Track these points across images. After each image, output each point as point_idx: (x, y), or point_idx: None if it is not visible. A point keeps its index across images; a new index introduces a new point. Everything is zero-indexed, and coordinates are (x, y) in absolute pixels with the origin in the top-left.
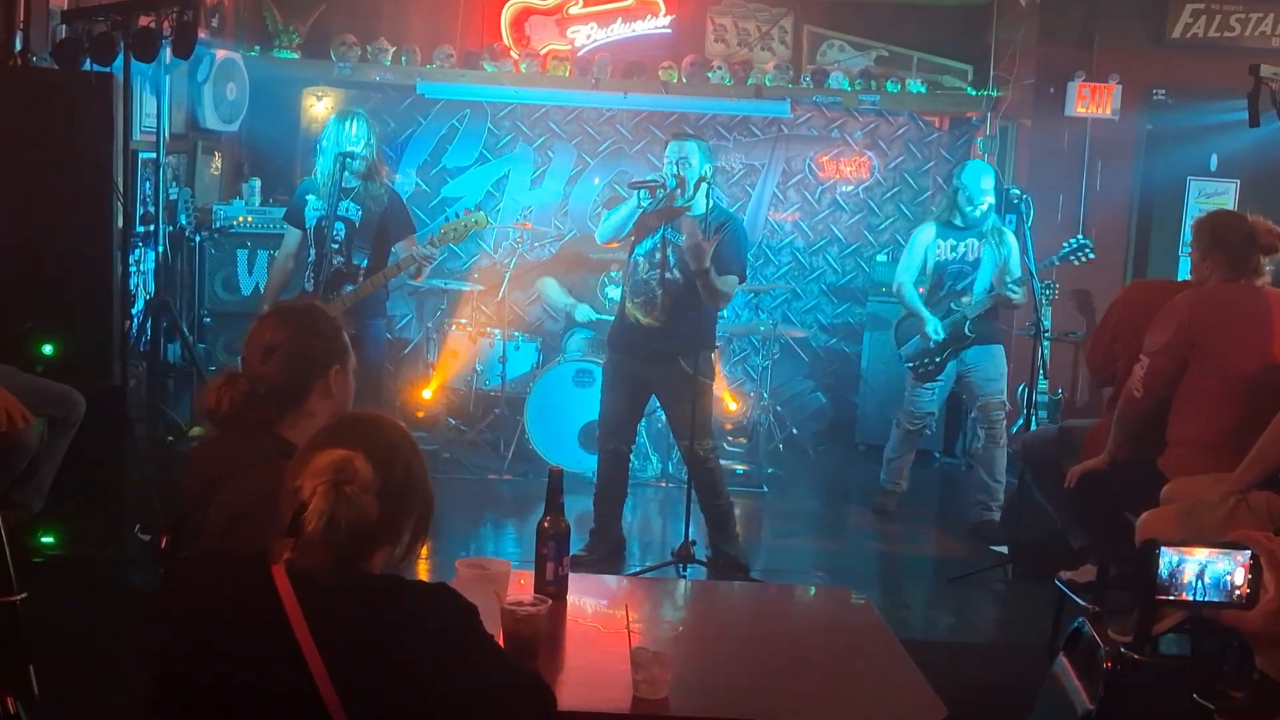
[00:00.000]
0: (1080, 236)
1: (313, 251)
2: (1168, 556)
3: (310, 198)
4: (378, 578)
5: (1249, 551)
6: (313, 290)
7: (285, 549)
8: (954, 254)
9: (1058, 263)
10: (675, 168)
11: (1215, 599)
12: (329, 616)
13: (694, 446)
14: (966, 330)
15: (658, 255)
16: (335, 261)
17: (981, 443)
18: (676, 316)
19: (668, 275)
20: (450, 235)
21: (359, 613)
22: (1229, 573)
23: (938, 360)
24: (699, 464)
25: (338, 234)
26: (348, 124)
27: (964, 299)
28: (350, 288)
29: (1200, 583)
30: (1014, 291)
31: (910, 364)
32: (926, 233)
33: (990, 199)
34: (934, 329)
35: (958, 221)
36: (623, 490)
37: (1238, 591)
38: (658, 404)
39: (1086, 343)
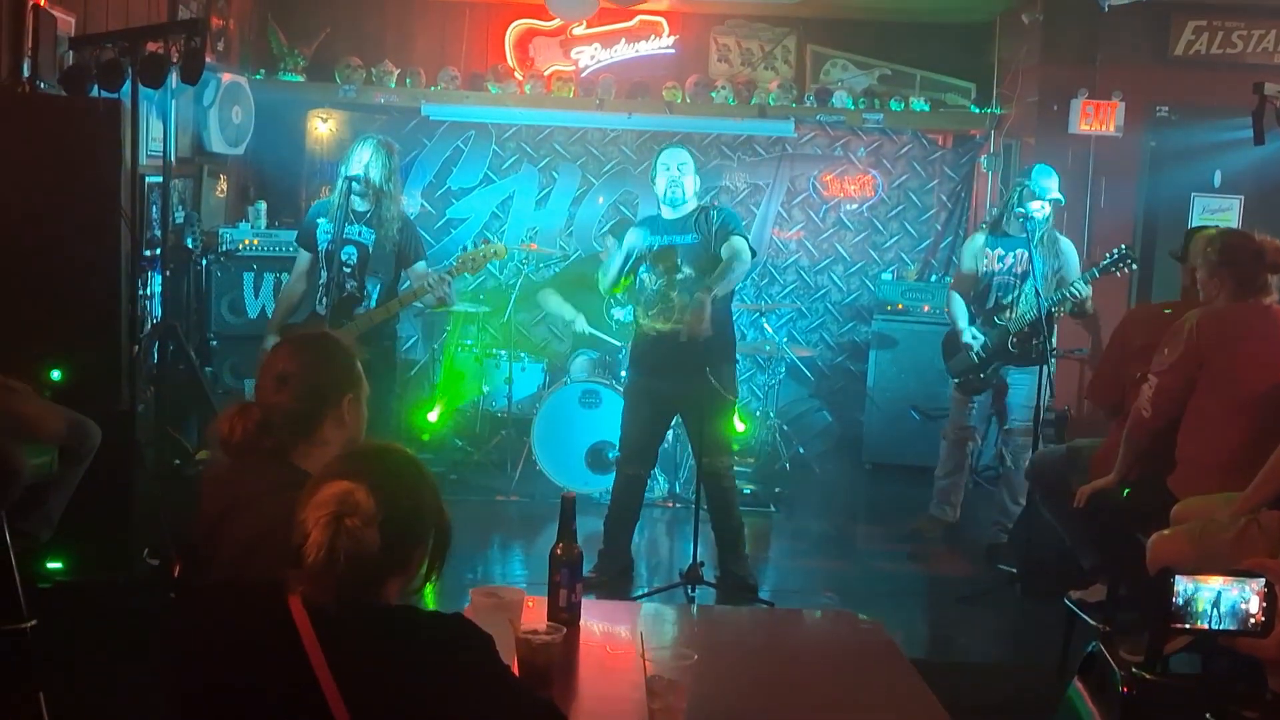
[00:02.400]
0: (1123, 246)
1: (324, 273)
2: (1182, 585)
3: (321, 220)
4: (394, 608)
5: (1263, 579)
6: (324, 314)
7: (299, 580)
8: (1000, 264)
9: (1099, 275)
10: (677, 172)
11: (1231, 627)
12: (345, 647)
13: (712, 462)
14: (1010, 346)
15: (660, 265)
16: (348, 286)
17: (1007, 465)
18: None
19: (679, 276)
20: (468, 265)
21: (376, 643)
22: (1244, 601)
23: (983, 375)
24: (715, 481)
25: (348, 258)
26: (357, 148)
27: (1008, 313)
28: (361, 311)
29: (1215, 611)
30: (1077, 291)
31: (957, 378)
32: (975, 242)
33: (1047, 203)
34: (971, 336)
35: (1008, 228)
36: (635, 514)
37: (1253, 620)
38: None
39: (1091, 376)
